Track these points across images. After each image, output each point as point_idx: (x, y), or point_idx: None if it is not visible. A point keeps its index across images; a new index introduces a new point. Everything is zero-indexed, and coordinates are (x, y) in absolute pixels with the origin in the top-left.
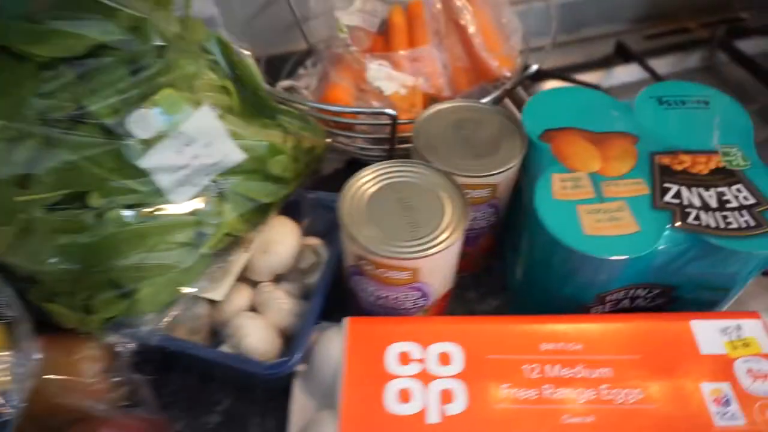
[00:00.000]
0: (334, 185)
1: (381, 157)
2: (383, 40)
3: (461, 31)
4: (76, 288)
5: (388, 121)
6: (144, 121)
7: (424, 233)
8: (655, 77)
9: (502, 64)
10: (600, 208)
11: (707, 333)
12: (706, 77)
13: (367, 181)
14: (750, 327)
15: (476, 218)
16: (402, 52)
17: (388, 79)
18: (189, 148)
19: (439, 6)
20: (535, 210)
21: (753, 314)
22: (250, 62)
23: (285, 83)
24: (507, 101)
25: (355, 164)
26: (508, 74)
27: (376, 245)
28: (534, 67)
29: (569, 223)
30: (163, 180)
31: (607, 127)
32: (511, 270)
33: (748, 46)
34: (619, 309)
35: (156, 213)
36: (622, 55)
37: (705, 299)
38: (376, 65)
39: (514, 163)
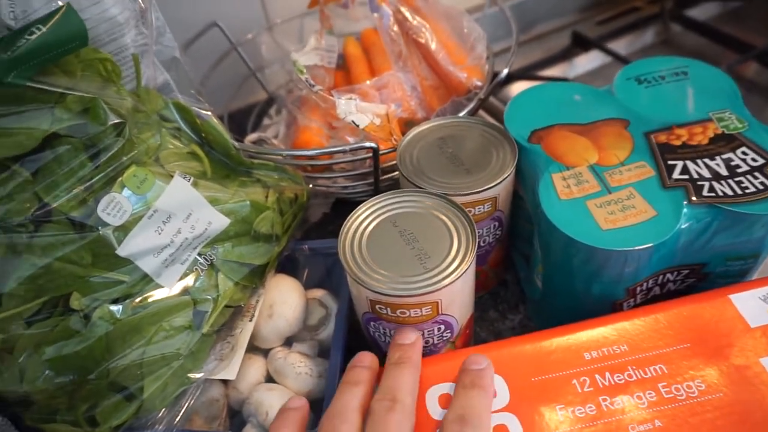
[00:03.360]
0: (325, 231)
1: (367, 192)
2: (343, 74)
3: (423, 49)
4: (76, 400)
5: (369, 155)
6: (115, 207)
7: (436, 262)
8: (619, 59)
9: (470, 74)
10: (610, 199)
11: (750, 304)
12: (664, 50)
13: (362, 220)
14: None
15: (482, 235)
16: (368, 82)
17: (361, 112)
18: (169, 224)
19: (396, 29)
20: (545, 215)
21: None
22: (215, 122)
23: (252, 136)
24: (481, 112)
25: (341, 205)
26: (480, 83)
27: (389, 286)
28: (504, 72)
29: (584, 222)
30: (148, 264)
31: (594, 117)
32: (527, 280)
33: (699, 12)
34: (650, 298)
35: (147, 301)
36: (580, 44)
37: (735, 270)
38: (345, 100)
39: (510, 171)
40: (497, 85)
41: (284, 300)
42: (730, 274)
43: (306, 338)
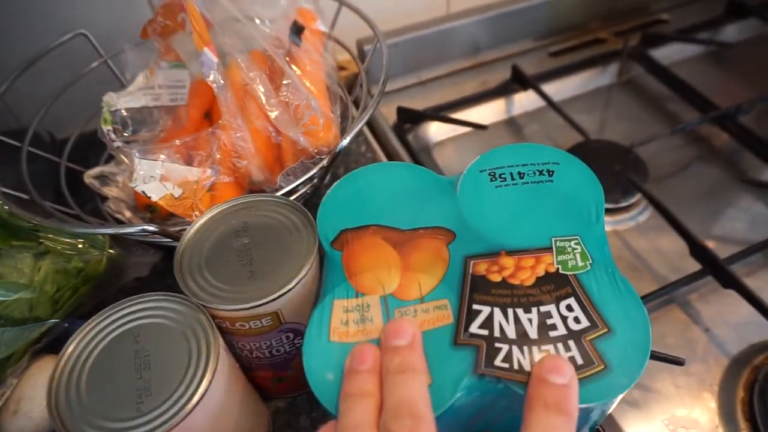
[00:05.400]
0: (161, 285)
1: None
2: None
3: (259, 104)
4: None
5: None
6: None
7: (153, 405)
8: (552, 106)
9: (314, 141)
10: None
11: None
12: (621, 93)
13: (99, 331)
14: None
15: (272, 345)
16: (177, 141)
17: (167, 178)
18: None
19: (221, 80)
20: (303, 358)
21: None
22: None
23: (95, 171)
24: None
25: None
26: (325, 149)
27: None
28: (344, 142)
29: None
30: None
31: (420, 221)
32: None
33: (671, 52)
34: None
35: None
36: (519, 80)
37: None
38: (149, 161)
39: (295, 283)
40: (407, 122)
41: (33, 396)
42: None
43: None
